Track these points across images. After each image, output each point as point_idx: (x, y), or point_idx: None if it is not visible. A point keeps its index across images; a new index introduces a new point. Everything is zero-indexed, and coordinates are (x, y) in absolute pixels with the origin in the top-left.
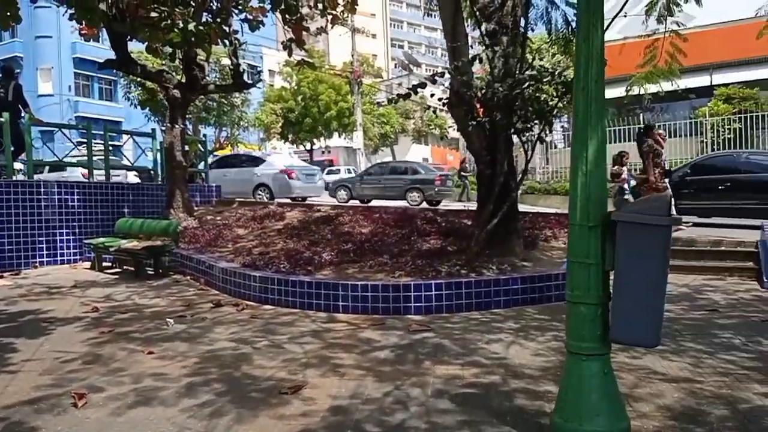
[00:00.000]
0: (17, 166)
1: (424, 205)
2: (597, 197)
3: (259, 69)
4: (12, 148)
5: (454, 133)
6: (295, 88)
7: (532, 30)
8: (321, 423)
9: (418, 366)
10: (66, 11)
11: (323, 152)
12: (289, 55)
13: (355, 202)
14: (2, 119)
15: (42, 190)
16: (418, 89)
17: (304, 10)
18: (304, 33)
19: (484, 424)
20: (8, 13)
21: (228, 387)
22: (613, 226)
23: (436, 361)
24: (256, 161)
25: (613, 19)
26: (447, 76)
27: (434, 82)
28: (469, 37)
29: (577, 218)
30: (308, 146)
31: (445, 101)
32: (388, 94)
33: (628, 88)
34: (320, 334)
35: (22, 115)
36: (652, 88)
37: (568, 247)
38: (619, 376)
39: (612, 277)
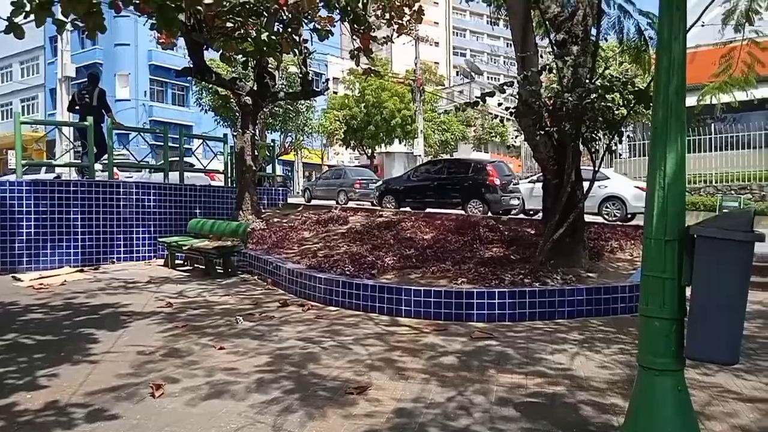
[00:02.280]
0: (97, 167)
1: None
2: (675, 211)
3: (326, 77)
4: (95, 150)
5: (513, 141)
6: (359, 95)
7: (605, 39)
8: (386, 424)
9: (481, 373)
10: (146, 21)
11: (369, 158)
12: (357, 63)
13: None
14: (87, 123)
15: (121, 190)
16: (486, 98)
17: (371, 20)
18: (371, 42)
19: None
20: (94, 24)
21: (296, 384)
22: (692, 241)
23: (499, 369)
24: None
25: (690, 28)
26: (515, 85)
27: (503, 91)
28: (538, 47)
29: (653, 232)
30: (369, 152)
31: (513, 110)
32: (450, 102)
33: (700, 97)
34: (384, 337)
35: (105, 119)
36: (725, 98)
37: (642, 260)
38: (690, 394)
39: (689, 292)
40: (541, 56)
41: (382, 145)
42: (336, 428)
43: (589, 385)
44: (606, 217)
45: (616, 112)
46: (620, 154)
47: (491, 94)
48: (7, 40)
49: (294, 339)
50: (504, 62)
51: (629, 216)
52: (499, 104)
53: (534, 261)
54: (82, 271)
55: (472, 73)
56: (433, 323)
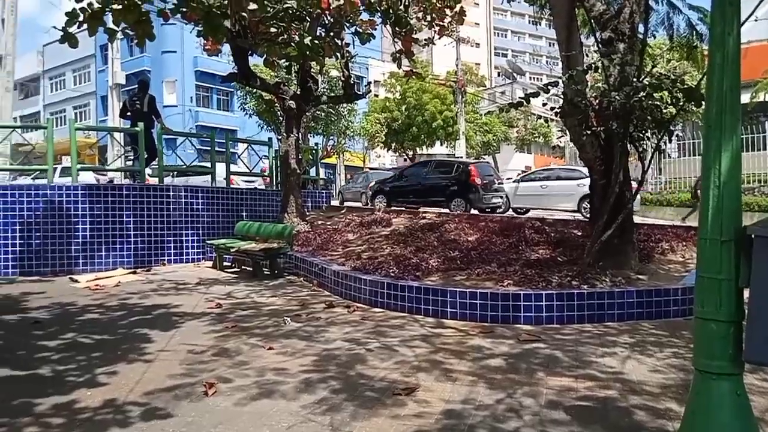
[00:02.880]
0: (147, 171)
1: None
2: (730, 210)
3: (367, 80)
4: (145, 155)
5: (558, 141)
6: (400, 98)
7: (653, 36)
8: (435, 425)
9: (530, 376)
10: (193, 28)
11: (410, 160)
12: (399, 66)
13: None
14: (138, 129)
15: (170, 193)
16: (530, 98)
17: (412, 22)
18: (412, 44)
19: None
20: (143, 32)
21: (344, 385)
22: (749, 241)
23: (548, 372)
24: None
25: (743, 23)
26: (560, 84)
27: (547, 91)
28: (583, 46)
29: (708, 232)
30: (410, 154)
31: (558, 110)
32: (491, 103)
33: (754, 94)
34: (430, 339)
35: (155, 124)
36: None
37: (697, 261)
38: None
39: (747, 293)
40: (587, 55)
41: (424, 147)
42: (385, 428)
43: (642, 389)
44: (584, 213)
45: (665, 110)
46: (669, 154)
47: (536, 95)
48: (60, 50)
49: (340, 340)
50: (546, 62)
51: None
52: (544, 104)
53: (582, 263)
54: (134, 272)
55: (514, 74)
56: (479, 325)
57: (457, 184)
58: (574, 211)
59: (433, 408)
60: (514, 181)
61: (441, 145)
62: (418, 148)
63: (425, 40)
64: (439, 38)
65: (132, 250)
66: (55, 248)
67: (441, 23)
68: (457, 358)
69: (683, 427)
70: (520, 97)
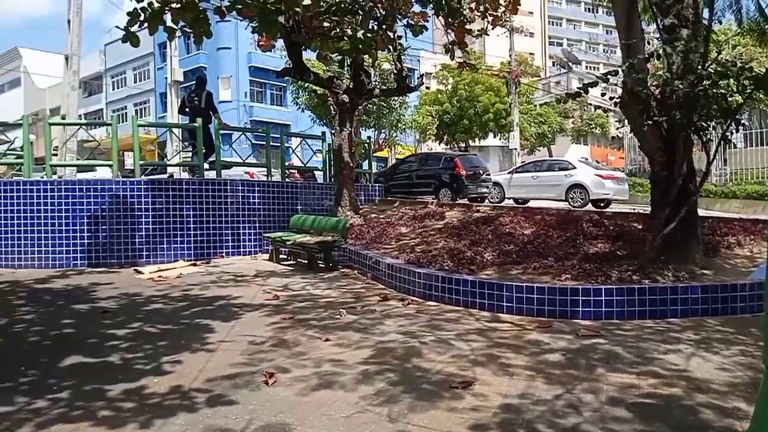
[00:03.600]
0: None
1: None
2: None
3: (420, 73)
4: (204, 150)
5: (616, 131)
6: (451, 90)
7: (719, 22)
8: (493, 419)
9: (589, 371)
10: (248, 25)
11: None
12: (451, 58)
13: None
14: (197, 124)
15: (228, 188)
16: (588, 88)
17: (465, 13)
18: (465, 35)
19: None
20: (201, 30)
21: (401, 377)
22: None
23: (609, 368)
24: (566, 165)
25: None
26: (620, 74)
27: (607, 81)
28: (644, 33)
29: None
30: (463, 146)
31: (618, 100)
32: (546, 93)
33: None
34: (486, 333)
35: (213, 120)
36: None
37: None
38: None
39: None
40: (648, 42)
41: (476, 139)
42: (443, 421)
43: (708, 388)
44: (571, 202)
45: (731, 99)
46: (735, 144)
47: (594, 84)
48: (121, 49)
49: (396, 333)
50: (604, 50)
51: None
52: (603, 94)
53: (643, 257)
54: (195, 264)
55: (570, 63)
56: (535, 320)
57: (444, 175)
58: (562, 200)
59: (490, 402)
60: (508, 173)
61: (494, 137)
62: (470, 141)
63: (478, 30)
64: (493, 28)
65: (192, 243)
66: (120, 241)
67: (494, 13)
68: (514, 352)
69: (753, 427)
70: (578, 88)
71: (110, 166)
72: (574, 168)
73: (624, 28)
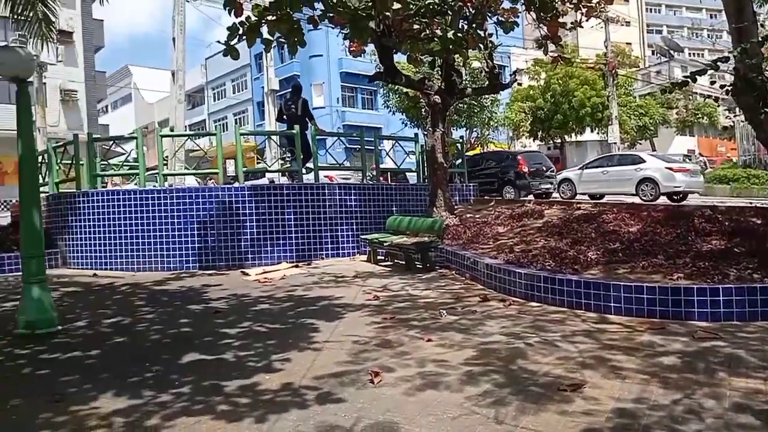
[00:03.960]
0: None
1: None
2: None
3: (510, 70)
4: (301, 156)
5: (726, 121)
6: (544, 85)
7: None
8: (606, 423)
9: (709, 376)
10: (339, 32)
11: (558, 149)
12: (545, 52)
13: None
14: (294, 131)
15: (326, 191)
16: (697, 76)
17: (557, 6)
18: (558, 29)
19: None
20: (296, 40)
21: (506, 379)
22: None
23: (731, 373)
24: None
25: None
26: (731, 60)
27: (717, 68)
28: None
29: None
30: (558, 142)
31: (729, 88)
32: (646, 84)
33: None
34: (593, 335)
35: (309, 126)
36: None
37: None
38: None
39: None
40: (762, 25)
41: (572, 134)
42: (552, 424)
43: None
44: (641, 196)
45: None
46: None
47: (703, 72)
48: (220, 62)
49: (498, 334)
50: (708, 35)
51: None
52: (712, 82)
53: (764, 254)
54: (297, 266)
55: (671, 51)
56: (646, 321)
57: (508, 173)
58: (633, 195)
59: (602, 406)
60: (578, 169)
61: (591, 131)
62: (566, 136)
63: (571, 23)
64: (587, 20)
65: (293, 245)
66: (228, 244)
67: (588, 4)
68: (625, 354)
69: None
70: (684, 76)
71: (216, 173)
72: (644, 161)
73: (734, 11)
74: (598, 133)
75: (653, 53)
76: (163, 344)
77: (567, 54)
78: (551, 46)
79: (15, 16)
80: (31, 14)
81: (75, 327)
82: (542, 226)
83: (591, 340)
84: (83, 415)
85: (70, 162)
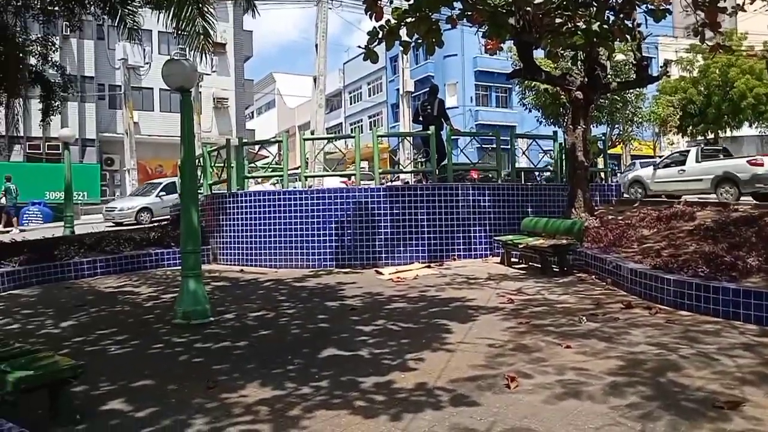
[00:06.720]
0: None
1: None
2: None
3: (661, 61)
4: (436, 156)
5: None
6: (699, 75)
7: None
8: None
9: None
10: (477, 30)
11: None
12: (702, 41)
13: None
14: (429, 132)
15: (459, 191)
16: None
17: None
18: (718, 14)
19: None
20: (434, 40)
21: (655, 392)
22: None
23: None
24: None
25: None
26: None
27: None
28: None
29: None
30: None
31: None
32: None
33: None
34: (754, 348)
35: (444, 127)
36: None
37: None
38: None
39: None
40: None
41: (727, 129)
42: None
43: None
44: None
45: None
46: None
47: None
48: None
49: (645, 344)
50: None
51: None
52: None
53: None
54: (429, 266)
55: None
56: None
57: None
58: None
59: (766, 427)
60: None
61: (750, 126)
62: (719, 131)
63: (733, 7)
64: (751, 3)
65: (426, 246)
66: (363, 243)
67: None
68: None
69: None
70: None
71: (353, 175)
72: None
73: None
74: (756, 128)
75: None
76: (303, 338)
77: (729, 42)
78: (709, 33)
79: (179, 32)
80: (191, 29)
81: (225, 319)
82: (693, 229)
83: (751, 354)
84: (231, 403)
85: (222, 165)
